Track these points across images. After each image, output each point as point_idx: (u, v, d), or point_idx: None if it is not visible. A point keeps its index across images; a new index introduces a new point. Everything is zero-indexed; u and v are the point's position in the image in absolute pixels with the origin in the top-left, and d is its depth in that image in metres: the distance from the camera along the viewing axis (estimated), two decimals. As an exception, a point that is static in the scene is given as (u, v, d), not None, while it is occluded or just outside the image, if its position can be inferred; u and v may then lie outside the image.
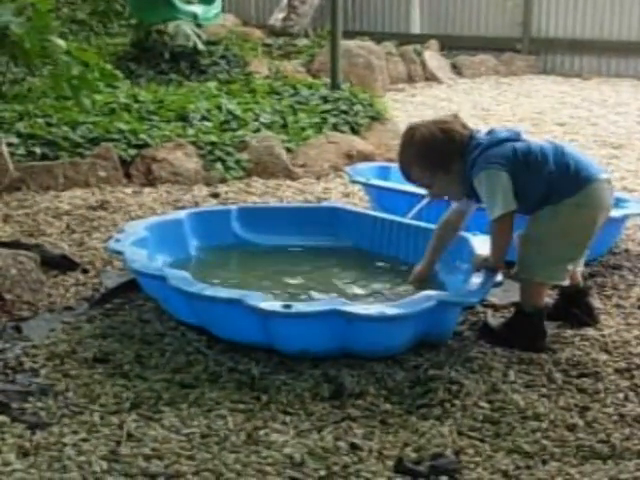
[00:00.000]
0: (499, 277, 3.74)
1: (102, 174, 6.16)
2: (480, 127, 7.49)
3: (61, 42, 5.77)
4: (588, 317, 3.95)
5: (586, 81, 11.77)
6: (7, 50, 6.26)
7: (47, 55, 5.99)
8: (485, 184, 3.63)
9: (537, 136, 6.91)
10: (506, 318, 3.89)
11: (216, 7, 10.02)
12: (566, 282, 3.84)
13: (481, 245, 4.00)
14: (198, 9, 9.74)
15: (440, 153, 3.72)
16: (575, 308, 3.94)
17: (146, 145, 6.45)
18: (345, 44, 9.51)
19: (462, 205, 3.92)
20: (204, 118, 7.08)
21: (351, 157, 6.80)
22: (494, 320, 3.92)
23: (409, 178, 3.90)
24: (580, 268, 3.99)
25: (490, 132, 3.79)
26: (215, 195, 5.98)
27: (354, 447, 2.94)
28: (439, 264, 4.09)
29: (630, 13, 12.21)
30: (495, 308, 4.07)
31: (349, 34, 10.92)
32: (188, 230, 4.54)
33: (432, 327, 3.57)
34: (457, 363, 3.53)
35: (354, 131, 7.31)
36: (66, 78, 5.65)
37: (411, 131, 3.81)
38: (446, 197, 3.97)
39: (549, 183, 3.65)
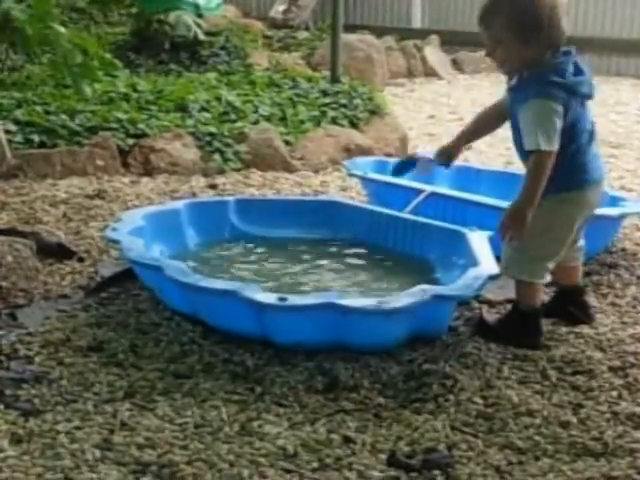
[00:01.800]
0: (496, 270, 3.73)
1: (100, 163, 6.15)
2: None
3: (62, 29, 5.77)
4: (584, 315, 3.94)
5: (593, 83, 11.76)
6: (7, 37, 6.26)
7: (48, 42, 5.99)
8: (545, 113, 3.46)
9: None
10: (502, 314, 3.90)
11: (218, -3, 10.04)
12: (546, 280, 3.78)
13: (477, 240, 4.00)
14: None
15: (529, 23, 3.48)
16: (571, 306, 3.94)
17: (144, 135, 6.44)
18: (345, 38, 9.51)
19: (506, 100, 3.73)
20: (203, 109, 7.06)
21: (350, 151, 6.80)
22: (490, 316, 3.92)
23: (481, 24, 3.60)
24: (576, 264, 3.98)
25: (578, 72, 3.59)
26: (213, 186, 5.98)
27: (347, 440, 2.94)
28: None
29: (631, 11, 12.21)
30: (490, 304, 4.07)
31: (350, 28, 10.92)
32: (185, 220, 4.54)
33: (427, 321, 3.57)
34: (452, 358, 3.53)
35: (353, 125, 7.30)
36: (67, 66, 5.64)
37: None
38: (499, 65, 3.71)
39: (559, 163, 3.53)
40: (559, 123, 3.48)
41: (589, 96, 3.65)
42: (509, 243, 3.67)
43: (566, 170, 3.57)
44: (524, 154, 3.61)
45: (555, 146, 3.47)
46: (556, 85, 3.50)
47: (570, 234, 3.71)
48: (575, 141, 3.60)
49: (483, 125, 3.96)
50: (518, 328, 3.71)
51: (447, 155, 4.01)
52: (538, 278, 3.73)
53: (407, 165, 4.32)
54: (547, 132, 3.46)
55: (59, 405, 3.11)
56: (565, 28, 3.56)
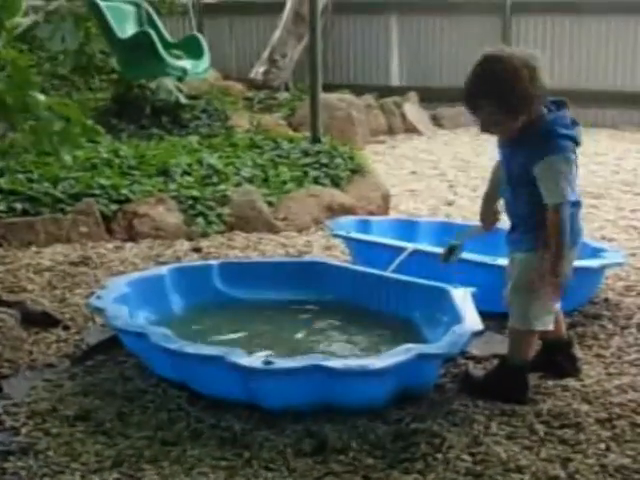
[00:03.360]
0: (480, 326, 3.75)
1: (83, 230, 6.17)
2: (460, 179, 7.50)
3: (42, 97, 5.80)
4: (572, 368, 3.95)
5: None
6: (-12, 106, 6.28)
7: (28, 110, 6.02)
8: (567, 166, 3.52)
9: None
10: (488, 370, 3.90)
11: (205, 62, 10.11)
12: (551, 327, 3.82)
13: (461, 297, 4.02)
14: (187, 64, 9.83)
15: (515, 97, 3.52)
16: (559, 358, 3.95)
17: (127, 200, 6.47)
18: (325, 97, 9.59)
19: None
20: (185, 173, 7.10)
21: (332, 210, 6.83)
22: (475, 371, 3.93)
23: (469, 108, 3.66)
24: (560, 316, 4.00)
25: (575, 125, 3.64)
26: (197, 250, 5.99)
27: (337, 503, 2.94)
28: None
29: (605, 64, 12.37)
30: (476, 360, 4.07)
31: (329, 87, 11.00)
32: (169, 286, 4.54)
33: (413, 380, 3.58)
34: (439, 416, 3.53)
35: (335, 184, 7.34)
36: (47, 134, 5.67)
37: (493, 60, 3.60)
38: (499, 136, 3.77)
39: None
40: (575, 171, 3.58)
41: (580, 144, 3.69)
42: (515, 296, 3.69)
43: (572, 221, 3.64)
44: (521, 207, 3.66)
45: (575, 195, 3.57)
46: (566, 137, 3.58)
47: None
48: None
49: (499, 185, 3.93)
50: (505, 383, 3.71)
51: (489, 221, 3.99)
52: (548, 326, 3.75)
53: (455, 250, 4.23)
54: (568, 184, 3.54)
55: (46, 477, 3.09)
56: (545, 82, 3.62)
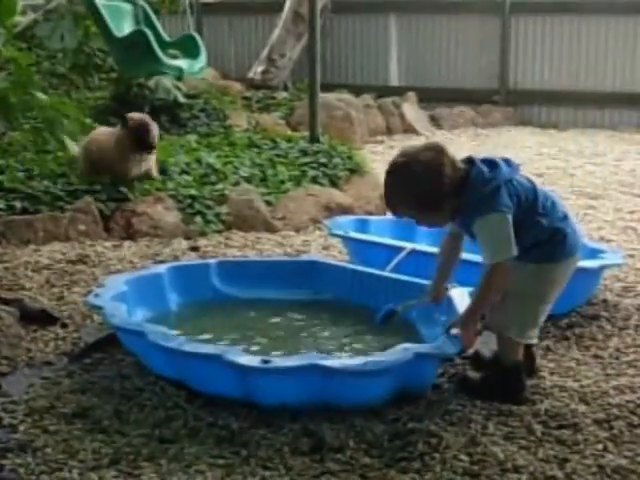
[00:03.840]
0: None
1: (82, 228, 6.17)
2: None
3: (44, 96, 5.81)
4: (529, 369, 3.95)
5: (562, 132, 11.89)
6: (-11, 104, 6.29)
7: (30, 109, 6.03)
8: (495, 226, 3.55)
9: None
10: (485, 371, 3.90)
11: (201, 61, 10.11)
12: (535, 341, 3.86)
13: (460, 297, 4.02)
14: (183, 63, 9.83)
15: (430, 196, 3.59)
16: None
17: (126, 199, 6.47)
18: (324, 97, 9.59)
19: (455, 227, 3.83)
20: (184, 172, 7.11)
21: (330, 210, 6.83)
22: (473, 372, 3.93)
23: (395, 214, 3.80)
24: None
25: (491, 165, 3.66)
26: (195, 249, 5.99)
27: (334, 502, 2.94)
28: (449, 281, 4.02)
29: (605, 65, 12.37)
30: (471, 359, 4.07)
31: (328, 87, 11.00)
32: (167, 284, 4.54)
33: (411, 380, 3.58)
34: (436, 416, 3.53)
35: (333, 184, 7.34)
36: (51, 131, 5.68)
37: (398, 168, 3.65)
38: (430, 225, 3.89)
39: (535, 240, 3.67)
40: (509, 227, 3.55)
41: (517, 172, 3.72)
42: (503, 306, 3.71)
43: (554, 242, 3.69)
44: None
45: (514, 251, 3.56)
46: (490, 192, 3.58)
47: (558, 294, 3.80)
48: (544, 219, 3.68)
49: (452, 259, 3.97)
50: (501, 383, 3.72)
51: (438, 296, 4.01)
52: (531, 339, 3.80)
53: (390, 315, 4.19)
54: (499, 244, 3.57)
55: (44, 474, 3.10)
56: (458, 164, 3.64)
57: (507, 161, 3.73)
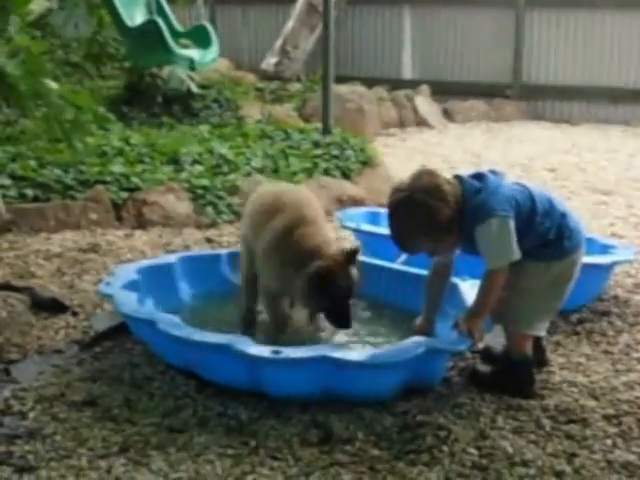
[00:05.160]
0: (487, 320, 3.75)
1: (93, 217, 6.18)
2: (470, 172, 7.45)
3: (54, 85, 5.81)
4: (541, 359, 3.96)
5: (575, 127, 11.86)
6: (1, 92, 6.29)
7: (40, 97, 6.02)
8: (494, 231, 3.57)
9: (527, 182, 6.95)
10: (495, 365, 3.90)
11: (212, 52, 10.11)
12: (543, 333, 3.87)
13: (470, 290, 4.02)
14: (195, 53, 9.84)
15: (441, 219, 3.59)
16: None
17: (138, 188, 6.48)
18: (337, 89, 9.58)
19: (445, 256, 3.86)
20: (196, 162, 7.12)
21: (342, 202, 6.83)
22: (483, 367, 3.93)
23: (411, 252, 3.86)
24: None
25: (479, 177, 3.71)
26: (206, 239, 5.99)
27: (342, 493, 2.94)
28: (438, 314, 4.01)
29: (619, 60, 12.34)
30: (482, 353, 4.07)
31: (341, 79, 11.00)
32: (178, 274, 4.55)
33: (421, 373, 3.58)
34: (445, 409, 3.53)
35: (345, 176, 7.34)
36: (59, 121, 5.67)
37: (402, 204, 3.66)
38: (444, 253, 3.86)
39: (543, 241, 3.68)
40: (509, 229, 3.56)
41: (503, 177, 3.75)
42: (511, 299, 3.70)
43: (558, 239, 3.71)
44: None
45: (515, 255, 3.56)
46: (485, 200, 3.60)
47: (570, 289, 3.80)
48: (546, 218, 3.69)
49: (439, 291, 3.95)
50: (511, 377, 3.72)
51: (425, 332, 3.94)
52: (540, 332, 3.82)
53: None
54: (499, 248, 3.59)
55: (53, 461, 3.10)
56: (451, 181, 3.67)
57: (493, 171, 3.77)
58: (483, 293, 3.65)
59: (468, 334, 3.62)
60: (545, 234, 3.68)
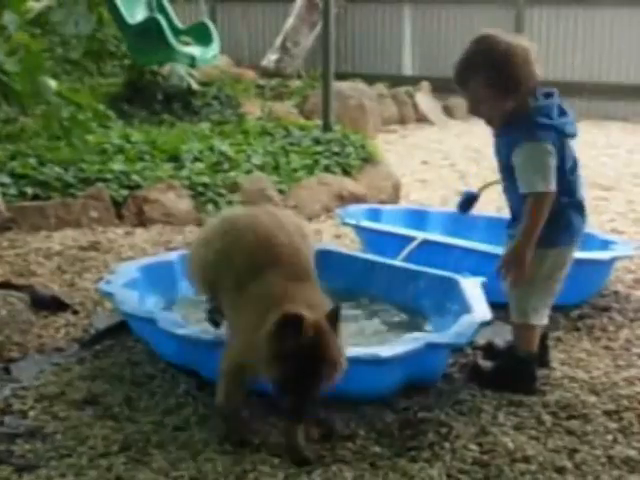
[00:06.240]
0: (488, 316, 3.74)
1: (94, 215, 6.17)
2: (471, 169, 7.49)
3: (52, 83, 5.80)
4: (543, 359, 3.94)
5: (575, 123, 11.84)
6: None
7: (39, 95, 6.02)
8: (534, 156, 3.50)
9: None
10: (497, 361, 3.89)
11: (213, 49, 10.10)
12: (546, 321, 3.82)
13: (470, 287, 4.02)
14: (196, 51, 9.82)
15: (507, 74, 3.53)
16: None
17: (138, 186, 6.47)
18: (337, 86, 9.57)
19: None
20: (196, 159, 7.11)
21: (343, 199, 6.83)
22: (484, 363, 3.92)
23: (459, 84, 3.67)
24: None
25: (560, 113, 3.62)
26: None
27: (343, 490, 2.94)
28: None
29: (618, 56, 12.33)
30: (484, 349, 4.07)
31: (341, 76, 10.98)
32: (179, 272, 4.53)
33: (421, 369, 3.58)
34: (446, 405, 3.53)
35: (346, 173, 7.34)
36: (57, 119, 5.67)
37: (487, 39, 3.60)
38: (485, 120, 3.76)
39: (559, 215, 3.62)
40: (553, 162, 3.53)
41: (573, 135, 3.68)
42: (514, 290, 3.69)
43: (569, 218, 3.67)
44: (515, 197, 3.65)
45: (552, 186, 3.51)
46: (545, 126, 3.54)
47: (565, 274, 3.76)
48: (564, 178, 3.62)
49: None
50: (514, 374, 3.71)
51: None
52: (544, 320, 3.77)
53: (471, 199, 4.19)
54: (543, 174, 3.51)
55: (53, 460, 3.10)
56: (538, 72, 3.61)
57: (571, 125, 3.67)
58: (526, 223, 3.54)
59: (513, 269, 3.56)
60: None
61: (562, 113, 3.64)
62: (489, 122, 3.72)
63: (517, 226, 3.63)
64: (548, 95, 3.65)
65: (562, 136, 3.60)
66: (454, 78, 3.66)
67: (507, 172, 3.67)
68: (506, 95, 3.56)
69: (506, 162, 3.65)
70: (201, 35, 10.10)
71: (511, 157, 3.58)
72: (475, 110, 3.71)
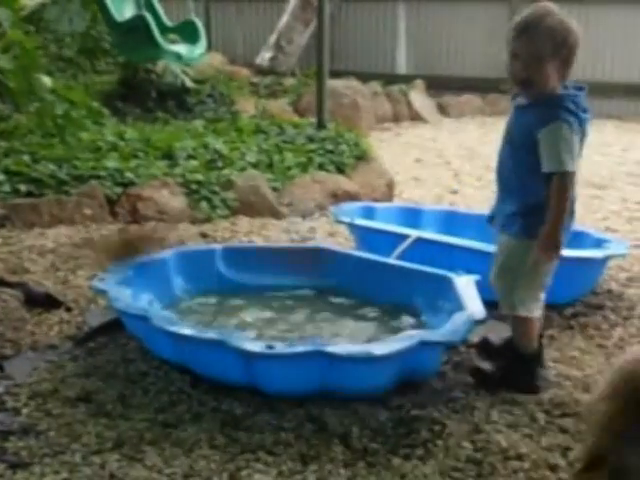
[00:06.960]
0: (482, 314, 3.74)
1: (88, 212, 6.16)
2: (465, 167, 7.52)
3: (46, 80, 5.79)
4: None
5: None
6: (-7, 87, 6.27)
7: (33, 93, 6.01)
8: (567, 132, 3.50)
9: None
10: (499, 361, 3.87)
11: (200, 47, 10.05)
12: (537, 315, 3.79)
13: (464, 285, 4.02)
14: (182, 49, 9.78)
15: (571, 54, 3.60)
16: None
17: (132, 183, 6.46)
18: (331, 84, 9.56)
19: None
20: (190, 157, 7.10)
21: (336, 196, 6.83)
22: (483, 363, 3.90)
23: (522, 33, 3.64)
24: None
25: (584, 111, 3.63)
26: (201, 234, 5.99)
27: (336, 488, 2.94)
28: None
29: (612, 55, 12.35)
30: (478, 347, 4.06)
31: (335, 74, 10.98)
32: (173, 269, 4.54)
33: (415, 367, 3.58)
34: (440, 403, 3.53)
35: (340, 170, 7.33)
36: (51, 117, 5.66)
37: (543, 9, 3.69)
38: (522, 85, 3.71)
39: (525, 205, 3.61)
40: (578, 147, 3.55)
41: (586, 135, 3.68)
42: (499, 282, 3.69)
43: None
44: (513, 170, 3.64)
45: (576, 167, 3.53)
46: (574, 114, 3.55)
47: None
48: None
49: None
50: (518, 373, 3.71)
51: None
52: (535, 312, 3.73)
53: None
54: (572, 154, 3.52)
55: (47, 457, 3.10)
56: (572, 64, 3.67)
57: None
58: (554, 200, 3.54)
59: (547, 249, 3.55)
60: (535, 194, 3.59)
61: (585, 110, 3.65)
62: (525, 86, 3.68)
63: (516, 213, 3.62)
64: (579, 88, 3.67)
65: (581, 131, 3.60)
66: (519, 25, 3.65)
67: (518, 145, 3.65)
68: (560, 65, 3.59)
69: (522, 134, 3.63)
70: (189, 33, 10.03)
71: (533, 132, 3.55)
72: (524, 67, 3.64)
